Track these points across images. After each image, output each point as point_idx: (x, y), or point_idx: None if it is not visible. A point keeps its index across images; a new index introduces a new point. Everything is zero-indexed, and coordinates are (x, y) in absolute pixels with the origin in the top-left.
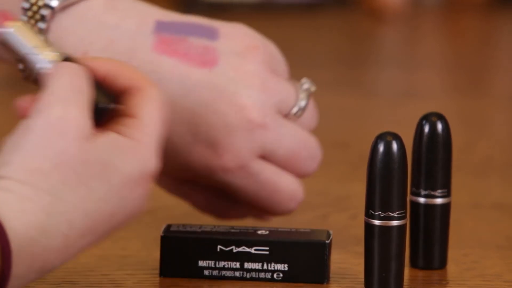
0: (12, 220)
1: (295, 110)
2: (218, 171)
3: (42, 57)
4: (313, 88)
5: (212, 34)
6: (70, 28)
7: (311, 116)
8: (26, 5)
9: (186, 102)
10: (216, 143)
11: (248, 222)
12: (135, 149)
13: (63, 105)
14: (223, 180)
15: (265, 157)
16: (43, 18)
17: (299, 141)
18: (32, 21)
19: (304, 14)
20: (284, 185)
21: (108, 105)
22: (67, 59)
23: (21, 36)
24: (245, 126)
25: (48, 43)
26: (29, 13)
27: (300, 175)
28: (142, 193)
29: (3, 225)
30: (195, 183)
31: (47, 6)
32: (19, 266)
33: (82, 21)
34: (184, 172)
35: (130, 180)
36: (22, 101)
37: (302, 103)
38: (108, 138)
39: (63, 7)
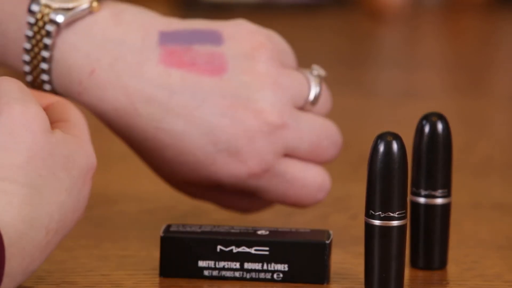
0: (1, 214)
1: (310, 99)
2: (245, 178)
3: None
4: (323, 73)
5: (216, 39)
6: (76, 45)
7: (325, 100)
8: (32, 20)
9: (201, 113)
10: (238, 151)
11: (248, 222)
12: (80, 144)
13: (21, 101)
14: (251, 185)
15: (288, 154)
16: (48, 34)
17: (319, 131)
18: (38, 37)
19: (304, 14)
20: (312, 178)
21: None
22: None
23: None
24: (265, 129)
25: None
26: (35, 28)
27: (323, 162)
28: (89, 188)
29: None
30: (221, 188)
31: (52, 21)
32: (11, 262)
33: (87, 37)
34: (210, 181)
35: (83, 173)
36: None
37: (316, 90)
38: (60, 134)
39: (69, 23)
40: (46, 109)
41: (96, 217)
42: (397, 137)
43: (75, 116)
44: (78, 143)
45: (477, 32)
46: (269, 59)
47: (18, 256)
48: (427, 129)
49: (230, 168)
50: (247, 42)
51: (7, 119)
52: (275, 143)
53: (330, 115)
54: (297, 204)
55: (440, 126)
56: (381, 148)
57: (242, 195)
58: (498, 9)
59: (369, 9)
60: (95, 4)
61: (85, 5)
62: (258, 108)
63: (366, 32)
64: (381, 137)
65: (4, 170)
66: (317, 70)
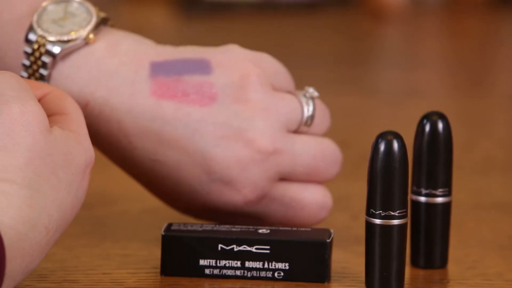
0: (1, 216)
1: (303, 121)
2: (241, 205)
3: None
4: (316, 95)
5: (205, 68)
6: (71, 77)
7: (322, 120)
8: (29, 50)
9: (194, 144)
10: (232, 180)
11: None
12: (78, 140)
13: (19, 100)
14: (249, 211)
15: (284, 178)
16: (44, 65)
17: (315, 153)
18: (35, 67)
19: (305, 13)
20: (310, 198)
21: None
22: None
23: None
24: (257, 157)
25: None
26: (32, 58)
27: (324, 181)
28: (87, 183)
29: None
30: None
31: (48, 52)
32: (11, 263)
33: (83, 69)
34: (208, 209)
35: (81, 170)
36: None
37: (309, 112)
38: (58, 131)
39: (65, 55)
40: (42, 101)
41: (98, 216)
42: (397, 136)
43: (72, 109)
44: (76, 138)
45: (478, 32)
46: (259, 86)
47: (18, 257)
48: (427, 128)
49: (226, 197)
50: (236, 70)
51: (5, 119)
52: (269, 169)
53: (331, 114)
54: (300, 224)
55: (440, 125)
56: (382, 147)
57: (247, 217)
58: (499, 9)
59: (370, 8)
60: (91, 36)
61: (81, 38)
62: (249, 137)
63: (367, 31)
64: (382, 136)
65: (3, 172)
66: (310, 91)
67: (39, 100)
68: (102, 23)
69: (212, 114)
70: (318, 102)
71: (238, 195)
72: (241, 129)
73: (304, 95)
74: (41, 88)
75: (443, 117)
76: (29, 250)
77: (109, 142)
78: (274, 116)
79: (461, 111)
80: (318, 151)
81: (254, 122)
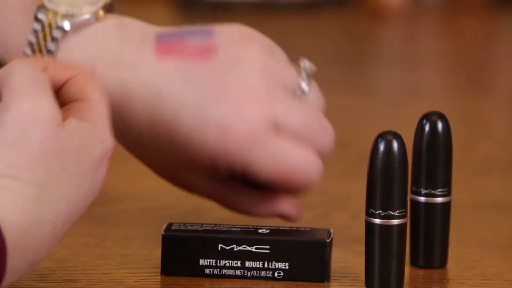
0: (4, 214)
1: (299, 91)
2: (235, 151)
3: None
4: (313, 68)
5: (208, 32)
6: (79, 46)
7: (316, 97)
8: (38, 27)
9: (191, 95)
10: (228, 123)
11: (249, 221)
12: (95, 130)
13: (31, 95)
14: (242, 161)
15: (278, 130)
16: (54, 39)
17: (309, 114)
18: (42, 43)
19: (305, 13)
20: (302, 157)
21: None
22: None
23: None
24: (254, 101)
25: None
26: (40, 35)
27: (316, 149)
28: (104, 173)
29: None
30: (222, 179)
31: (60, 28)
32: (13, 260)
33: (91, 39)
34: (205, 163)
35: (96, 161)
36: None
37: (305, 82)
38: (74, 123)
39: (75, 29)
40: (66, 85)
41: (98, 216)
42: (397, 136)
43: (94, 96)
44: (92, 129)
45: (478, 32)
46: (259, 48)
47: (21, 254)
48: (427, 128)
49: (221, 141)
50: (239, 32)
51: (16, 114)
52: (264, 112)
53: (330, 114)
54: (290, 185)
55: (440, 125)
56: (382, 147)
57: (246, 194)
58: (498, 9)
59: (370, 8)
60: (101, 12)
61: (92, 14)
62: (247, 84)
63: (367, 31)
64: (381, 136)
65: (11, 168)
66: (308, 64)
67: (64, 84)
68: (108, 7)
69: (211, 68)
70: (314, 82)
71: (234, 137)
72: (239, 79)
73: (303, 68)
74: (67, 70)
75: (442, 117)
76: (33, 247)
77: (110, 101)
78: (272, 74)
79: (460, 111)
80: (313, 114)
81: (253, 75)
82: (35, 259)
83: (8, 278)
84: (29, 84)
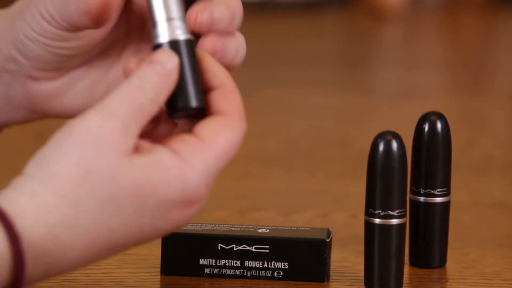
0: (30, 230)
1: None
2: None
3: (163, 33)
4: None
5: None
6: None
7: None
8: None
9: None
10: None
11: (248, 221)
12: (182, 172)
13: (110, 115)
14: None
15: None
16: None
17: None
18: None
19: (304, 13)
20: None
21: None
22: (188, 42)
23: (164, 2)
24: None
25: (183, 20)
26: None
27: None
28: (182, 219)
29: (20, 237)
30: None
31: None
32: (33, 273)
33: None
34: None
35: (168, 203)
36: (130, 63)
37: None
38: (146, 159)
39: None
40: (215, 93)
41: None
42: (396, 136)
43: (221, 143)
44: (177, 170)
45: (477, 31)
46: None
47: (44, 269)
48: (426, 128)
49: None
50: None
51: (85, 127)
52: None
53: (330, 114)
54: None
55: (439, 125)
56: (381, 147)
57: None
58: (498, 8)
59: (370, 7)
60: None
61: None
62: None
63: (366, 30)
64: (380, 136)
65: (57, 182)
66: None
67: (212, 91)
68: None
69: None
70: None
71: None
72: None
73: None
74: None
75: (441, 117)
76: (56, 265)
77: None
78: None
79: (460, 111)
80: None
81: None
82: (59, 273)
83: (26, 285)
84: (122, 103)
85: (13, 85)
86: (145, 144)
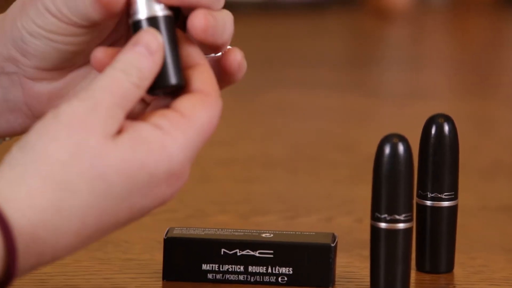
0: (20, 219)
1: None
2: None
3: (142, 9)
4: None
5: None
6: None
7: None
8: None
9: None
10: None
11: (252, 226)
12: (165, 144)
13: (95, 103)
14: None
15: None
16: None
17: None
18: None
19: (308, 13)
20: None
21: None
22: (167, 18)
23: None
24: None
25: None
26: None
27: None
28: (168, 193)
29: (10, 225)
30: None
31: None
32: (25, 262)
33: None
34: None
35: (155, 178)
36: (99, 52)
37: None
38: (135, 133)
39: None
40: (193, 70)
41: None
42: (403, 139)
43: (201, 118)
44: (160, 143)
45: (485, 31)
46: None
47: (36, 257)
48: (433, 130)
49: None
50: None
51: (71, 110)
52: None
53: (334, 116)
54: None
55: (446, 128)
56: (387, 150)
57: None
58: (506, 8)
59: (375, 7)
60: None
61: None
62: None
63: (371, 31)
64: (386, 139)
65: (45, 164)
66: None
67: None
68: None
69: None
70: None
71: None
72: None
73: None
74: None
75: (449, 119)
76: (49, 252)
77: None
78: None
79: (467, 113)
80: None
81: None
82: (53, 260)
83: (20, 275)
84: (109, 87)
85: (11, 88)
86: (126, 122)
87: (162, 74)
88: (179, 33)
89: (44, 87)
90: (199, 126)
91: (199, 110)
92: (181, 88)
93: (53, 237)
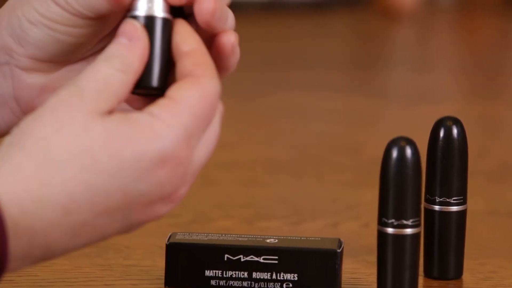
0: (5, 194)
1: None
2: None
3: (141, 6)
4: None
5: None
6: None
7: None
8: None
9: None
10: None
11: (256, 231)
12: (153, 124)
13: (79, 90)
14: None
15: None
16: None
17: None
18: None
19: (314, 13)
20: None
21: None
22: (164, 20)
23: None
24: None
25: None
26: None
27: None
28: (167, 179)
29: None
30: None
31: None
32: (18, 241)
33: None
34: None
35: (145, 159)
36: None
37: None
38: (123, 115)
39: None
40: (186, 55)
41: None
42: (410, 142)
43: (189, 98)
44: (150, 126)
45: (494, 33)
46: None
47: (28, 234)
48: (442, 133)
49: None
50: None
51: (55, 97)
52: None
53: (340, 118)
54: None
55: (455, 131)
56: (394, 153)
57: None
58: None
59: (381, 8)
60: None
61: None
62: None
63: (377, 32)
64: (394, 142)
65: (29, 139)
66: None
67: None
68: None
69: None
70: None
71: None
72: None
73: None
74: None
75: (457, 122)
76: (40, 227)
77: None
78: None
79: (476, 116)
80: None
81: None
82: (50, 243)
83: (18, 261)
84: (104, 74)
85: (1, 80)
86: (116, 111)
87: (145, 74)
88: (178, 22)
89: (36, 79)
90: (188, 106)
91: (186, 91)
92: (163, 93)
93: (40, 209)
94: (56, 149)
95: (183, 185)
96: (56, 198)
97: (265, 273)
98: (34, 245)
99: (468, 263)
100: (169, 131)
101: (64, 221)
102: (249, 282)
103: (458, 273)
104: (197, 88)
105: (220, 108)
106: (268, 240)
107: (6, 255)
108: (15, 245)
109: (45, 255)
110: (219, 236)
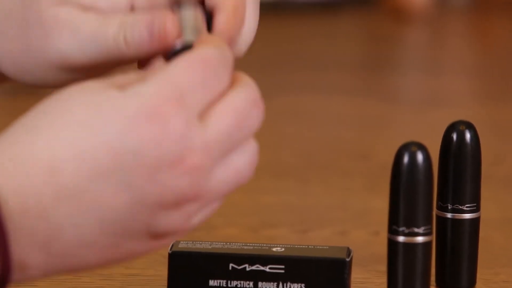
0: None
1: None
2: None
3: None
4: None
5: None
6: None
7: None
8: None
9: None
10: None
11: (262, 239)
12: (136, 85)
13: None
14: None
15: None
16: None
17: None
18: None
19: (321, 13)
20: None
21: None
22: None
23: (191, 11)
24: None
25: (198, 28)
26: None
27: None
28: (156, 133)
29: None
30: None
31: None
32: (22, 239)
33: None
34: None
35: (125, 113)
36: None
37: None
38: (116, 80)
39: None
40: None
41: None
42: (422, 148)
43: (179, 60)
44: (123, 84)
45: (507, 34)
46: None
47: (27, 230)
48: (454, 138)
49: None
50: None
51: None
52: None
53: (349, 123)
54: None
55: (468, 136)
56: (405, 159)
57: None
58: None
59: (391, 8)
60: None
61: None
62: None
63: (388, 33)
64: (405, 147)
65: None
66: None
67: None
68: None
69: None
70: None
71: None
72: None
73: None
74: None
75: (471, 126)
76: (34, 194)
77: None
78: None
79: (489, 120)
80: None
81: None
82: (52, 243)
83: (30, 270)
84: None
85: None
86: None
87: None
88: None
89: None
90: (178, 67)
91: (179, 59)
92: None
93: (26, 169)
94: (42, 115)
95: (192, 152)
96: (38, 157)
97: (272, 283)
98: (36, 247)
99: (481, 273)
100: (149, 86)
101: (53, 181)
102: None
103: (471, 283)
104: (190, 53)
105: (257, 117)
106: (274, 249)
107: (8, 245)
108: (16, 246)
109: (50, 232)
110: (223, 245)
